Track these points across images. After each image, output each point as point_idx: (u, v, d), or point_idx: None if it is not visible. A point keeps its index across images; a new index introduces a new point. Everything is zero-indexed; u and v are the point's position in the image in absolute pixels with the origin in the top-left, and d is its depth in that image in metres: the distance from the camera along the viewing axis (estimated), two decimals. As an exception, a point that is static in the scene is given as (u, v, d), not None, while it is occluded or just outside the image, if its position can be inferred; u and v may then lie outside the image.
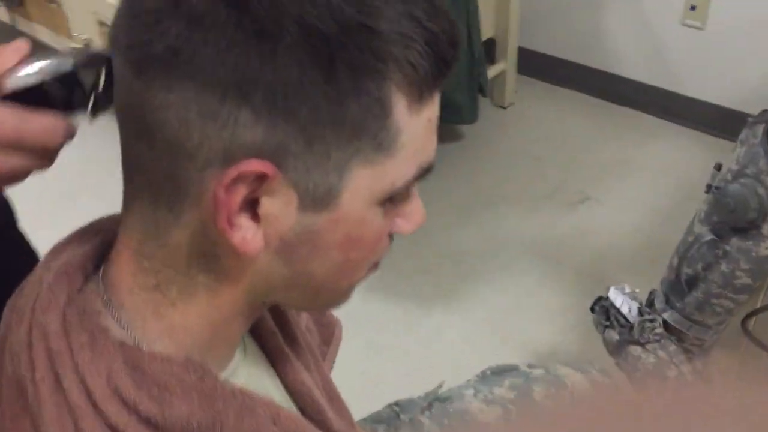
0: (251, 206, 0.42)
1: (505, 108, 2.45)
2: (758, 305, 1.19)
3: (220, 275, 0.46)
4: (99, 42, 2.06)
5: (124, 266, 0.47)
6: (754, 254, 1.09)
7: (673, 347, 1.21)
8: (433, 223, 2.00)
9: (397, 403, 0.89)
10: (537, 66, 2.52)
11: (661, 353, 1.20)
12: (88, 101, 0.46)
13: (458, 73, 2.04)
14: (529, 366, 0.92)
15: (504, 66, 2.34)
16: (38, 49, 0.47)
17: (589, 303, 1.30)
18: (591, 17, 2.37)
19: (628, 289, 1.25)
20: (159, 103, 0.40)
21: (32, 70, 0.45)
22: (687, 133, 2.27)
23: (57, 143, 0.47)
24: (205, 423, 0.44)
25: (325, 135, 0.40)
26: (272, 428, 0.48)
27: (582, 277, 1.80)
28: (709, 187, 1.18)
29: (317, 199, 0.42)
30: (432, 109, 0.44)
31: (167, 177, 0.42)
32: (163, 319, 0.46)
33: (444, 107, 1.98)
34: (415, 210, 0.49)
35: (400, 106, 0.42)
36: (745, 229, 1.10)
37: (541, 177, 2.16)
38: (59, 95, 0.46)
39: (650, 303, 1.26)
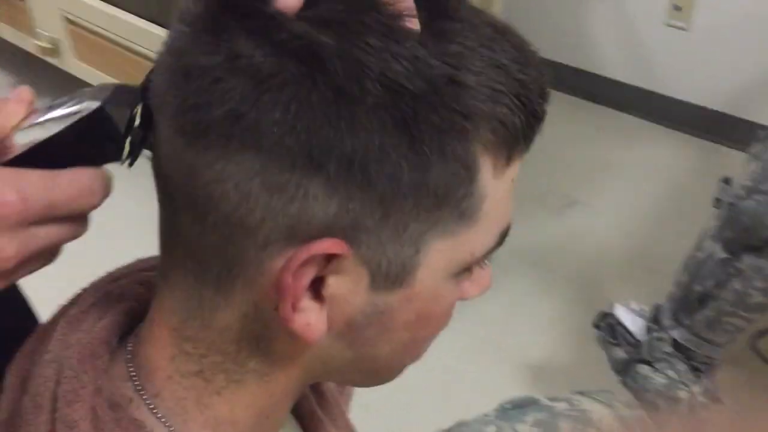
0: (315, 286, 0.36)
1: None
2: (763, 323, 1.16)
3: (273, 360, 0.40)
4: (67, 42, 1.96)
5: (161, 349, 0.41)
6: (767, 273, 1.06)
7: (682, 366, 1.18)
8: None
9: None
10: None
11: (670, 372, 1.17)
12: (122, 148, 0.38)
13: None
14: (551, 399, 0.88)
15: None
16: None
17: (581, 310, 1.27)
18: (574, 17, 2.34)
19: (635, 306, 1.22)
20: (216, 175, 0.34)
21: (48, 119, 0.38)
22: (671, 134, 2.26)
23: (95, 204, 0.39)
24: None
25: (404, 206, 0.35)
26: None
27: (573, 284, 1.77)
28: (717, 201, 1.15)
29: (390, 277, 0.37)
30: (516, 169, 0.39)
31: (217, 254, 0.37)
32: (207, 409, 0.41)
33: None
34: (484, 274, 0.44)
35: (486, 169, 0.36)
36: (760, 247, 1.07)
37: (526, 181, 2.12)
38: (86, 145, 0.38)
39: (655, 319, 1.23)
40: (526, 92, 0.36)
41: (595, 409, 0.85)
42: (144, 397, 0.40)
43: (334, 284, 0.36)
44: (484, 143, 0.35)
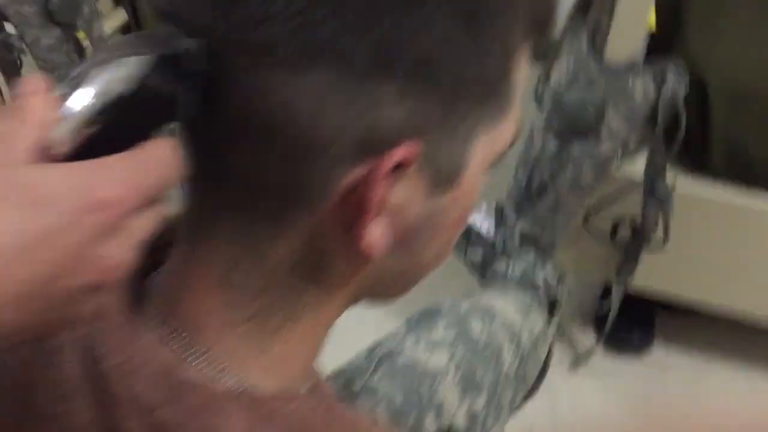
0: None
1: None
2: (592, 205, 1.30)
3: (327, 288, 0.38)
4: None
5: (203, 303, 0.37)
6: (596, 155, 1.18)
7: (532, 253, 1.28)
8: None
9: (339, 375, 0.84)
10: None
11: (524, 261, 1.27)
12: (175, 105, 0.33)
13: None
14: (450, 305, 0.92)
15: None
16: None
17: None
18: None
19: (484, 206, 1.30)
20: (286, 95, 0.32)
21: (87, 100, 0.30)
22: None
23: (176, 177, 0.33)
24: None
25: (461, 103, 0.35)
26: None
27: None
28: (537, 94, 1.24)
29: (444, 178, 0.37)
30: None
31: (278, 183, 0.34)
32: (264, 354, 0.38)
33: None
34: None
35: (519, 61, 0.37)
36: (586, 132, 1.18)
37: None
38: (139, 115, 0.32)
39: (500, 216, 1.32)
40: None
41: (495, 302, 0.91)
42: (191, 357, 0.37)
43: (398, 193, 0.35)
44: (521, 36, 0.36)
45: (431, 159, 0.35)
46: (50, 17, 1.38)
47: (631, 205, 1.26)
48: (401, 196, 0.35)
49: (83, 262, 0.28)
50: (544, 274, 1.26)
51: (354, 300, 0.42)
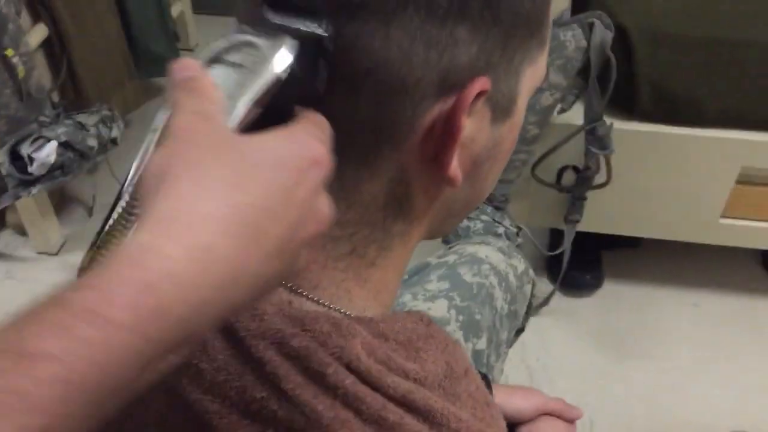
0: None
1: (192, 50, 2.36)
2: (538, 154, 1.38)
3: (412, 218, 0.43)
4: None
5: None
6: (538, 106, 1.26)
7: (489, 209, 1.36)
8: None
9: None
10: (211, 1, 2.44)
11: (483, 217, 1.34)
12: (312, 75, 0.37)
13: (150, 22, 1.91)
14: (438, 257, 0.98)
15: (181, 7, 2.23)
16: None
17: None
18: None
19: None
20: (380, 41, 0.36)
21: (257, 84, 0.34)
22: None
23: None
24: (443, 368, 0.42)
25: (515, 38, 0.39)
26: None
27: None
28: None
29: (503, 109, 0.41)
30: None
31: (368, 124, 0.38)
32: (367, 283, 0.42)
33: (146, 61, 1.89)
34: None
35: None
36: (525, 87, 1.26)
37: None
38: (295, 85, 0.36)
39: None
40: None
41: (478, 250, 0.97)
42: (303, 293, 0.40)
43: (469, 126, 0.39)
44: None
45: (494, 92, 0.40)
46: (-25, 38, 1.35)
47: (573, 151, 1.35)
48: (472, 129, 0.40)
49: (310, 214, 0.32)
50: (504, 226, 1.33)
51: (428, 232, 0.46)
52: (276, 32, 0.36)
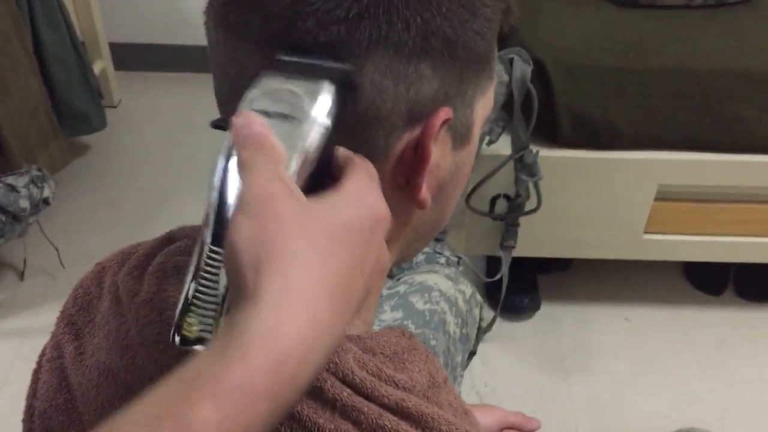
0: None
1: (115, 107, 2.34)
2: (471, 185, 1.44)
3: (388, 240, 0.45)
4: None
5: None
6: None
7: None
8: (112, 242, 1.87)
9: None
10: (131, 58, 2.44)
11: (425, 249, 1.38)
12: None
13: (73, 81, 1.89)
14: (388, 288, 1.01)
15: (102, 64, 2.23)
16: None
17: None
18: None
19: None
20: (353, 80, 0.39)
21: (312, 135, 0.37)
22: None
23: None
24: (427, 378, 0.45)
25: (470, 72, 0.43)
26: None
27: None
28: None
29: (462, 136, 0.45)
30: None
31: (350, 148, 0.41)
32: None
33: (70, 120, 1.91)
34: None
35: (497, 36, 0.46)
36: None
37: (191, 160, 2.16)
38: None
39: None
40: None
41: (427, 278, 1.01)
42: None
43: (434, 151, 0.43)
44: (499, 14, 0.46)
45: (454, 121, 0.44)
46: None
47: (504, 180, 1.42)
48: (437, 155, 0.44)
49: (378, 266, 0.36)
50: (444, 255, 1.38)
51: (399, 254, 0.49)
52: (306, 74, 0.38)
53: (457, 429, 0.43)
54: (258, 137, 0.35)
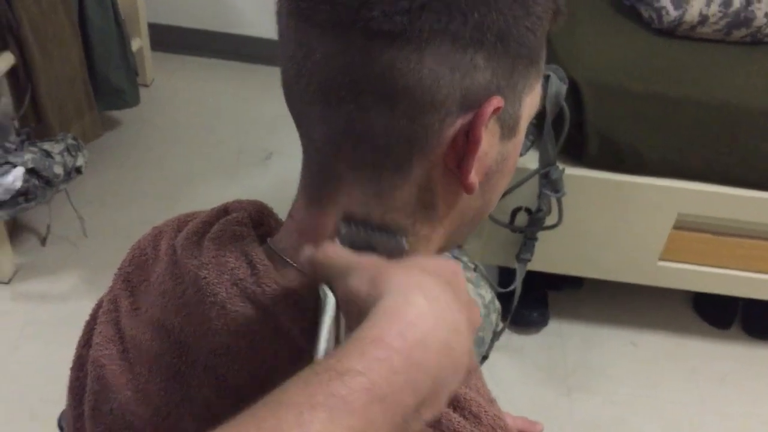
0: None
1: (148, 86, 2.38)
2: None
3: (435, 222, 0.48)
4: None
5: None
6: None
7: (448, 245, 1.42)
8: (135, 217, 1.91)
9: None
10: (168, 39, 2.48)
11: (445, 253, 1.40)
12: None
13: (112, 56, 1.93)
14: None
15: (140, 43, 2.26)
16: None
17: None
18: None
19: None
20: (413, 66, 0.42)
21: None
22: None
23: None
24: None
25: (520, 66, 0.46)
26: None
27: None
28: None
29: (509, 128, 0.48)
30: None
31: (401, 136, 0.44)
32: None
33: (105, 94, 1.95)
34: None
35: (545, 34, 0.49)
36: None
37: (219, 145, 2.19)
38: None
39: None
40: None
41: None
42: None
43: (483, 139, 0.45)
44: (550, 14, 0.48)
45: (503, 111, 0.46)
46: (-56, 62, 1.36)
47: (527, 194, 1.44)
48: (485, 143, 0.46)
49: (473, 310, 0.42)
50: (462, 261, 1.40)
51: (445, 239, 0.52)
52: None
53: (486, 412, 0.45)
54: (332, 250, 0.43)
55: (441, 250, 0.53)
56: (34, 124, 1.67)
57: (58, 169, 1.49)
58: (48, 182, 1.47)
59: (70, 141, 1.56)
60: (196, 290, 0.48)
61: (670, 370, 1.69)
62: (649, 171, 1.44)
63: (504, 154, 0.49)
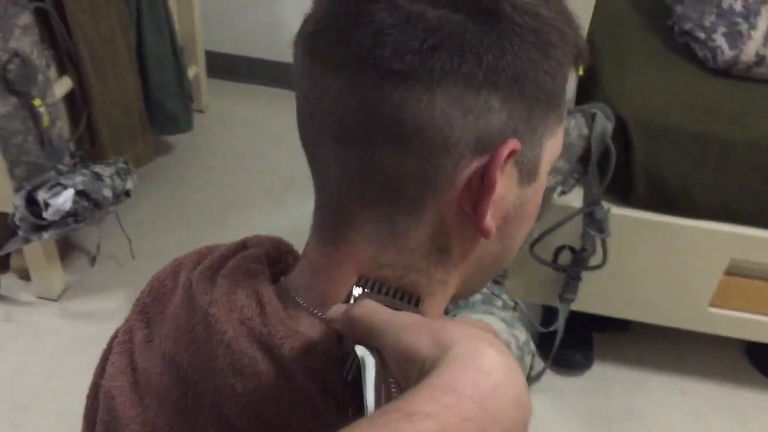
0: None
1: (203, 112, 2.43)
2: (536, 233, 1.44)
3: (450, 266, 0.47)
4: None
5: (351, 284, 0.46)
6: (540, 188, 1.32)
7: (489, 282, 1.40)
8: (184, 241, 1.94)
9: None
10: (224, 66, 2.54)
11: (483, 290, 1.38)
12: None
13: (168, 82, 1.98)
14: (442, 324, 1.02)
15: (196, 70, 2.32)
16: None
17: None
18: (267, 12, 2.47)
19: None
20: (425, 106, 0.41)
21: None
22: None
23: None
24: None
25: (539, 110, 0.45)
26: None
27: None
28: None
29: (529, 173, 0.46)
30: None
31: (414, 177, 0.43)
32: None
33: (160, 119, 1.99)
34: None
35: (568, 80, 0.48)
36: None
37: (270, 172, 2.22)
38: None
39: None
40: (580, 28, 0.49)
41: (482, 318, 1.01)
42: None
43: (500, 183, 0.44)
44: (570, 59, 0.47)
45: (521, 155, 0.45)
46: (7, 87, 1.41)
47: (570, 232, 1.41)
48: (502, 187, 0.45)
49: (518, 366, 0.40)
50: (501, 299, 1.37)
51: (461, 285, 0.51)
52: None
53: None
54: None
55: (456, 297, 0.52)
56: (89, 147, 1.72)
57: (107, 192, 1.52)
58: (97, 204, 1.50)
59: (120, 165, 1.60)
60: (205, 327, 0.47)
61: (720, 422, 1.62)
62: (700, 213, 1.39)
63: (523, 199, 0.47)
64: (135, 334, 0.53)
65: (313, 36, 0.44)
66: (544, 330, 1.56)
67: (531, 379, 1.07)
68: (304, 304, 0.47)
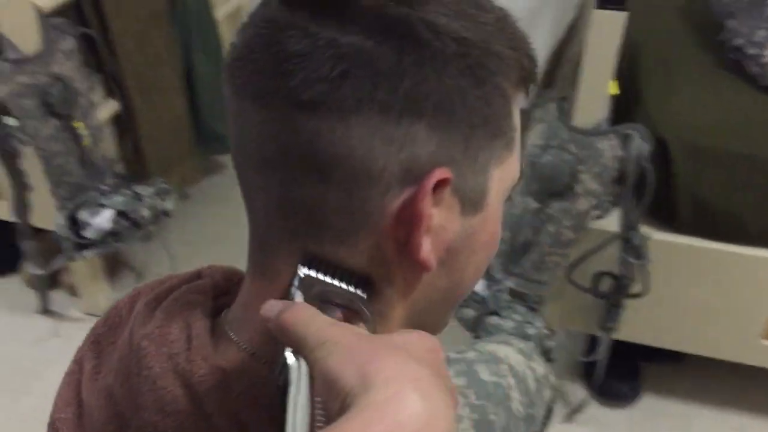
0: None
1: (254, 133, 2.47)
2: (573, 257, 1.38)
3: (391, 300, 0.45)
4: None
5: None
6: (573, 212, 1.27)
7: (522, 308, 1.35)
8: (227, 261, 1.95)
9: None
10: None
11: (515, 316, 1.33)
12: None
13: (217, 104, 2.02)
14: (457, 353, 0.98)
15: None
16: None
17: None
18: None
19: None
20: (340, 136, 0.39)
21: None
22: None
23: None
24: None
25: (476, 138, 0.42)
26: None
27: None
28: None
29: (473, 202, 0.44)
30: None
31: (342, 208, 0.41)
32: None
33: (209, 140, 2.00)
34: None
35: (514, 104, 0.45)
36: (562, 192, 1.28)
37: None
38: None
39: (488, 275, 1.39)
40: (526, 48, 0.45)
41: (498, 349, 0.97)
42: None
43: (437, 214, 0.42)
44: (514, 86, 0.44)
45: (460, 185, 0.42)
46: (49, 109, 1.46)
47: (610, 257, 1.35)
48: (441, 217, 0.42)
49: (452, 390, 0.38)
50: (535, 327, 1.32)
51: (409, 320, 0.48)
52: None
53: None
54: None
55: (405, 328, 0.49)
56: (135, 169, 1.76)
57: (145, 212, 1.55)
58: (135, 224, 1.53)
59: (160, 185, 1.63)
60: (136, 361, 0.46)
61: (779, 463, 1.51)
62: (749, 239, 1.31)
63: (468, 230, 0.45)
64: (84, 365, 0.53)
65: (232, 65, 0.43)
66: (583, 359, 1.49)
67: (550, 414, 1.02)
68: (236, 339, 0.46)
